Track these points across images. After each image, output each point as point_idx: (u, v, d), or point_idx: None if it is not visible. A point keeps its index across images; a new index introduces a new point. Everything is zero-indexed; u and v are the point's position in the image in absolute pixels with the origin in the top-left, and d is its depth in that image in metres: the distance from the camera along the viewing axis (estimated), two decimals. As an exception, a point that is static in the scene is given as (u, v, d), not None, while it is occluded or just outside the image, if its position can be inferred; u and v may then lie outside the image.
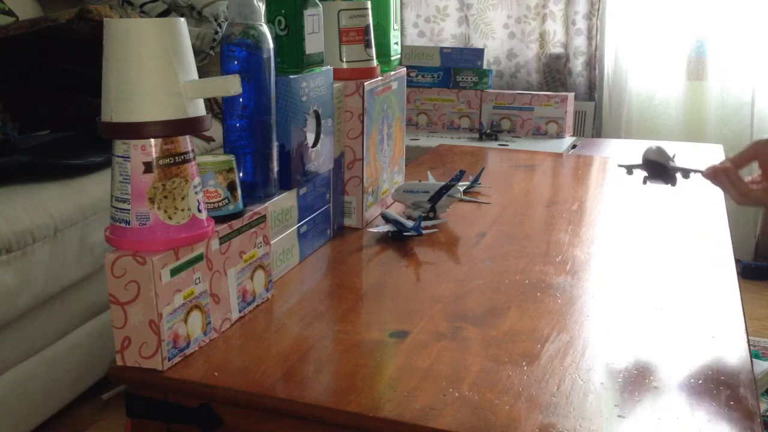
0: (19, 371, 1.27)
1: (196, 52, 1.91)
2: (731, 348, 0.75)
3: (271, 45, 0.84)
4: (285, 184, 0.92)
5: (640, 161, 1.02)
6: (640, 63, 2.47)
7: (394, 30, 1.19)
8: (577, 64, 2.53)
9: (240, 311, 0.80)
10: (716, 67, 2.38)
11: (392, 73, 1.17)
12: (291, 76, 0.90)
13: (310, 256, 0.99)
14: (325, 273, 0.94)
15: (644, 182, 1.02)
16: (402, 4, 2.73)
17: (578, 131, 2.54)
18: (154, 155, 0.67)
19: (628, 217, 1.16)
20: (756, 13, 2.30)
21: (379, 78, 1.11)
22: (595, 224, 1.13)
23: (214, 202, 0.76)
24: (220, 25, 1.95)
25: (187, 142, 0.69)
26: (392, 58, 1.19)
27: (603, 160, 1.54)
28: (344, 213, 1.10)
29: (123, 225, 0.68)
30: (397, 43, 1.21)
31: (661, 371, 0.70)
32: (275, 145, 0.88)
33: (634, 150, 2.08)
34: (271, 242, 0.87)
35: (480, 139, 2.30)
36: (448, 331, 0.78)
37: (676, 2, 2.39)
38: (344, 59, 1.06)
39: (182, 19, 0.68)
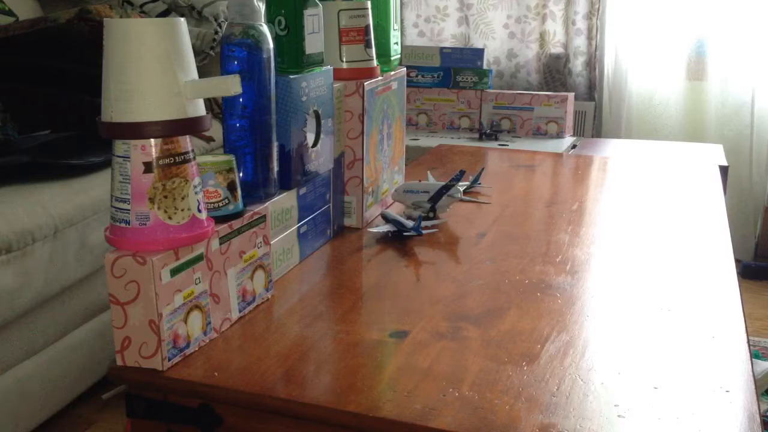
0: (19, 371, 1.27)
1: (196, 52, 1.91)
2: (731, 348, 0.75)
3: (271, 45, 0.84)
4: (285, 184, 0.92)
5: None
6: (640, 63, 2.47)
7: (394, 30, 1.19)
8: (577, 64, 2.53)
9: (240, 311, 0.81)
10: (716, 67, 2.38)
11: (392, 73, 1.17)
12: (291, 76, 0.90)
13: (310, 256, 0.99)
14: (325, 273, 0.94)
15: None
16: (402, 4, 2.73)
17: (578, 131, 2.54)
18: (154, 155, 0.67)
19: (628, 217, 1.16)
20: (756, 13, 2.30)
21: (379, 78, 1.11)
22: (595, 224, 1.13)
23: (214, 202, 0.76)
24: (220, 25, 1.95)
25: (187, 142, 0.69)
26: (392, 58, 1.19)
27: (603, 160, 1.54)
28: (344, 213, 1.10)
29: (123, 225, 0.68)
30: (397, 43, 1.21)
31: (661, 371, 0.70)
32: (275, 145, 0.88)
33: (633, 150, 2.09)
34: (271, 242, 0.87)
35: (480, 139, 2.30)
36: (448, 331, 0.78)
37: (676, 2, 2.39)
38: (344, 59, 1.06)
39: (182, 19, 0.68)
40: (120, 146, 0.67)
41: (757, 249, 2.41)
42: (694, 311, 0.83)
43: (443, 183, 1.11)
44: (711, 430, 0.61)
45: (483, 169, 1.37)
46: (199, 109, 0.69)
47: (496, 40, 2.65)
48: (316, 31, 0.96)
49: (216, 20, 1.96)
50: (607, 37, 2.49)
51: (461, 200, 1.24)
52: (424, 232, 1.07)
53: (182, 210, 0.69)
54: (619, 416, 0.63)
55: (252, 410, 0.67)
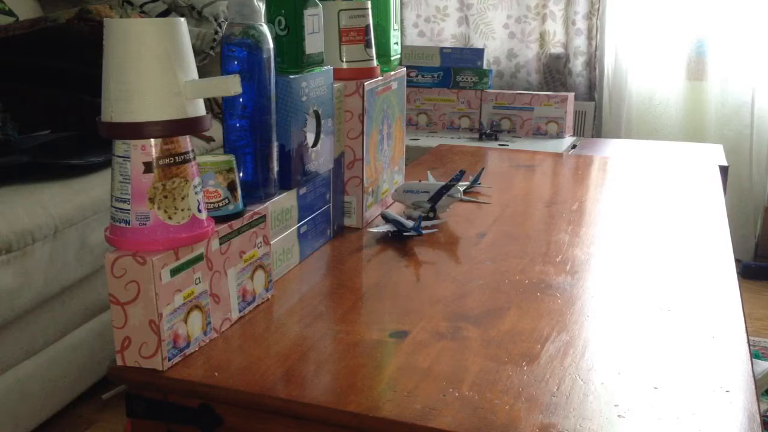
0: (19, 371, 1.27)
1: (196, 52, 1.91)
2: (731, 348, 0.75)
3: (271, 45, 0.84)
4: (285, 184, 0.92)
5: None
6: (640, 63, 2.47)
7: (394, 30, 1.19)
8: (577, 64, 2.53)
9: (240, 311, 0.81)
10: (716, 67, 2.38)
11: (392, 73, 1.17)
12: (291, 76, 0.90)
13: (310, 256, 0.99)
14: (325, 273, 0.94)
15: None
16: (402, 4, 2.73)
17: (578, 131, 2.54)
18: (154, 155, 0.67)
19: (628, 218, 1.16)
20: (756, 13, 2.30)
21: (379, 78, 1.11)
22: (595, 224, 1.13)
23: (214, 202, 0.76)
24: (220, 25, 1.95)
25: (187, 142, 0.69)
26: (392, 58, 1.19)
27: (603, 160, 1.54)
28: (344, 213, 1.10)
29: (123, 225, 0.68)
30: (397, 43, 1.21)
31: (661, 371, 0.70)
32: (275, 145, 0.88)
33: (633, 150, 2.09)
34: (271, 242, 0.87)
35: (480, 139, 2.30)
36: (448, 331, 0.78)
37: (676, 2, 2.39)
38: (344, 59, 1.06)
39: (182, 19, 0.68)
40: (120, 146, 0.67)
41: (757, 249, 2.41)
42: (694, 311, 0.83)
43: (443, 183, 1.11)
44: (711, 430, 0.61)
45: (483, 169, 1.37)
46: (199, 109, 0.69)
47: (496, 40, 2.65)
48: (316, 31, 0.96)
49: (216, 20, 1.96)
50: (607, 37, 2.49)
51: (461, 200, 1.24)
52: (424, 232, 1.07)
53: (182, 210, 0.69)
54: (619, 416, 0.63)
55: (252, 410, 0.67)
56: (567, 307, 0.84)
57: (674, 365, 0.71)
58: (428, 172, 1.37)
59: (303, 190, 0.96)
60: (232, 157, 0.78)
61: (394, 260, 0.98)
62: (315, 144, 0.98)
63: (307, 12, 0.93)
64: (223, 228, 0.76)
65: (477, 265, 0.96)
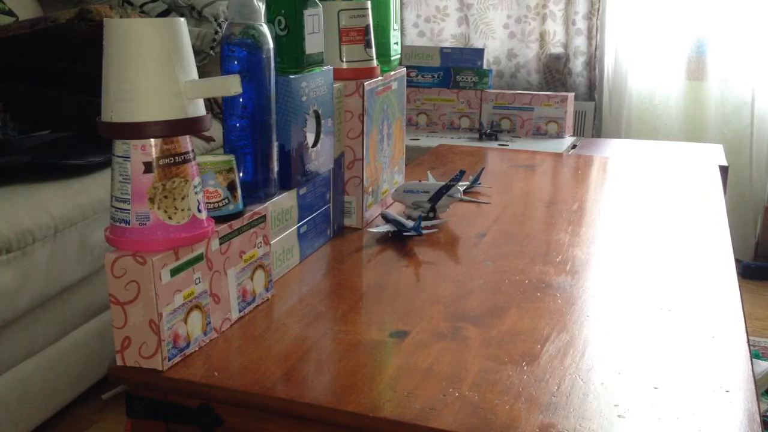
0: (19, 371, 1.27)
1: (196, 52, 1.91)
2: (731, 348, 0.75)
3: (271, 45, 0.84)
4: (285, 184, 0.92)
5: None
6: (640, 63, 2.47)
7: (394, 30, 1.19)
8: (577, 64, 2.53)
9: (240, 311, 0.81)
10: (716, 67, 2.38)
11: (392, 73, 1.17)
12: (291, 76, 0.90)
13: (310, 256, 0.99)
14: (325, 273, 0.94)
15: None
16: (402, 4, 2.73)
17: (578, 131, 2.54)
18: (154, 155, 0.67)
19: (628, 218, 1.16)
20: (756, 13, 2.30)
21: (379, 78, 1.11)
22: (595, 224, 1.13)
23: (214, 202, 0.76)
24: (220, 25, 1.95)
25: (187, 142, 0.69)
26: (392, 58, 1.19)
27: (603, 160, 1.54)
28: (344, 213, 1.10)
29: (123, 225, 0.68)
30: (397, 43, 1.21)
31: (661, 371, 0.70)
32: (275, 145, 0.88)
33: (633, 150, 2.09)
34: (271, 242, 0.87)
35: (480, 139, 2.30)
36: (448, 331, 0.78)
37: (676, 2, 2.39)
38: (344, 59, 1.06)
39: (182, 19, 0.68)
40: (120, 146, 0.67)
41: (757, 249, 2.41)
42: (694, 311, 0.83)
43: (443, 183, 1.11)
44: (711, 430, 0.61)
45: (483, 169, 1.37)
46: (199, 109, 0.69)
47: (496, 40, 2.65)
48: (316, 31, 0.96)
49: (216, 20, 1.96)
50: (607, 37, 2.49)
51: (461, 200, 1.24)
52: (424, 232, 1.07)
53: (182, 210, 0.69)
54: (619, 416, 0.63)
55: (252, 410, 0.67)
56: (567, 307, 0.84)
57: (674, 365, 0.71)
58: (428, 172, 1.37)
59: (303, 190, 0.96)
60: (232, 157, 0.78)
61: (394, 260, 0.98)
62: (315, 144, 0.98)
63: (307, 12, 0.93)
64: (223, 228, 0.76)
65: (477, 265, 0.96)
